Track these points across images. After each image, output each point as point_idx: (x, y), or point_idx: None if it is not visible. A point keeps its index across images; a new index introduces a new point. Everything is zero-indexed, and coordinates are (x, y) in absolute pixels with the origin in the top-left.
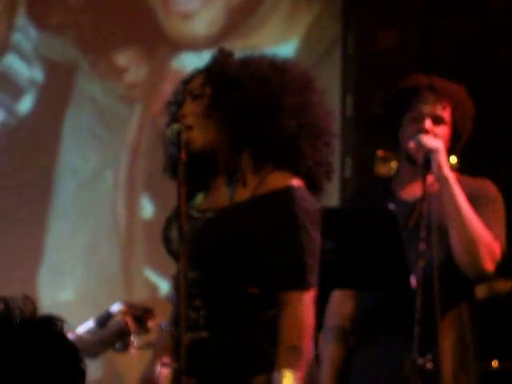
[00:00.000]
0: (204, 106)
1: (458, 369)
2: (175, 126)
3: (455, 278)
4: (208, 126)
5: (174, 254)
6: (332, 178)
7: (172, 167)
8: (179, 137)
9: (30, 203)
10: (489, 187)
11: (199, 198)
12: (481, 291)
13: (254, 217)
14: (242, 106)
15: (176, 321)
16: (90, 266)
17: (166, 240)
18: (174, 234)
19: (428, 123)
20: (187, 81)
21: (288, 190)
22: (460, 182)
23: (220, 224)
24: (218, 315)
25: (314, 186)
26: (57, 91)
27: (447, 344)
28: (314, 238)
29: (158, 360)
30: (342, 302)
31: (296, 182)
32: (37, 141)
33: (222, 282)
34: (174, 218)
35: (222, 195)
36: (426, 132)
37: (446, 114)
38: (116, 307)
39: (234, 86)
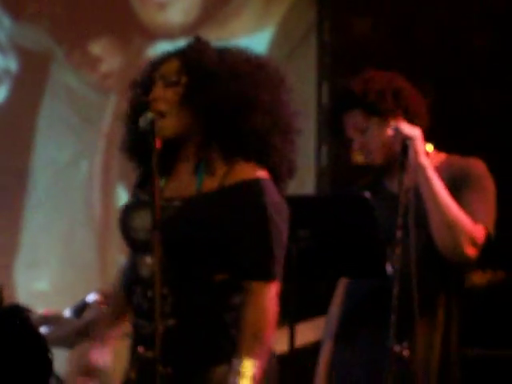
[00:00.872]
0: (179, 94)
1: (440, 358)
2: (149, 115)
3: (438, 266)
4: (181, 114)
5: (135, 243)
6: (293, 175)
7: (130, 147)
8: (153, 126)
9: (5, 193)
10: (476, 167)
11: (160, 183)
12: None
13: (223, 207)
14: (217, 99)
15: (140, 312)
16: (66, 256)
17: (127, 228)
18: (138, 222)
19: (357, 144)
20: (157, 63)
21: (257, 182)
22: (447, 162)
23: (189, 213)
24: (184, 302)
25: (277, 180)
26: (31, 81)
27: (427, 332)
28: (282, 230)
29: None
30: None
31: (263, 174)
32: (11, 130)
33: (189, 270)
34: (135, 206)
35: (189, 183)
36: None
37: (365, 124)
38: (92, 297)
39: (210, 80)
